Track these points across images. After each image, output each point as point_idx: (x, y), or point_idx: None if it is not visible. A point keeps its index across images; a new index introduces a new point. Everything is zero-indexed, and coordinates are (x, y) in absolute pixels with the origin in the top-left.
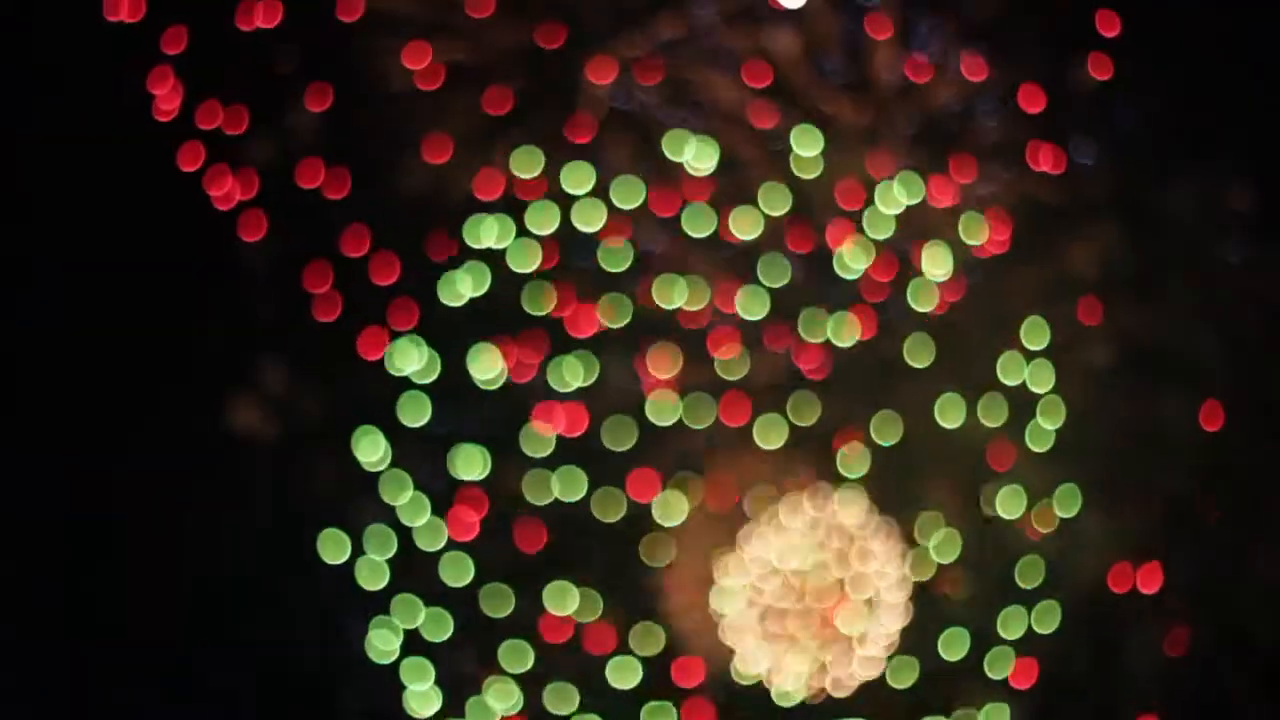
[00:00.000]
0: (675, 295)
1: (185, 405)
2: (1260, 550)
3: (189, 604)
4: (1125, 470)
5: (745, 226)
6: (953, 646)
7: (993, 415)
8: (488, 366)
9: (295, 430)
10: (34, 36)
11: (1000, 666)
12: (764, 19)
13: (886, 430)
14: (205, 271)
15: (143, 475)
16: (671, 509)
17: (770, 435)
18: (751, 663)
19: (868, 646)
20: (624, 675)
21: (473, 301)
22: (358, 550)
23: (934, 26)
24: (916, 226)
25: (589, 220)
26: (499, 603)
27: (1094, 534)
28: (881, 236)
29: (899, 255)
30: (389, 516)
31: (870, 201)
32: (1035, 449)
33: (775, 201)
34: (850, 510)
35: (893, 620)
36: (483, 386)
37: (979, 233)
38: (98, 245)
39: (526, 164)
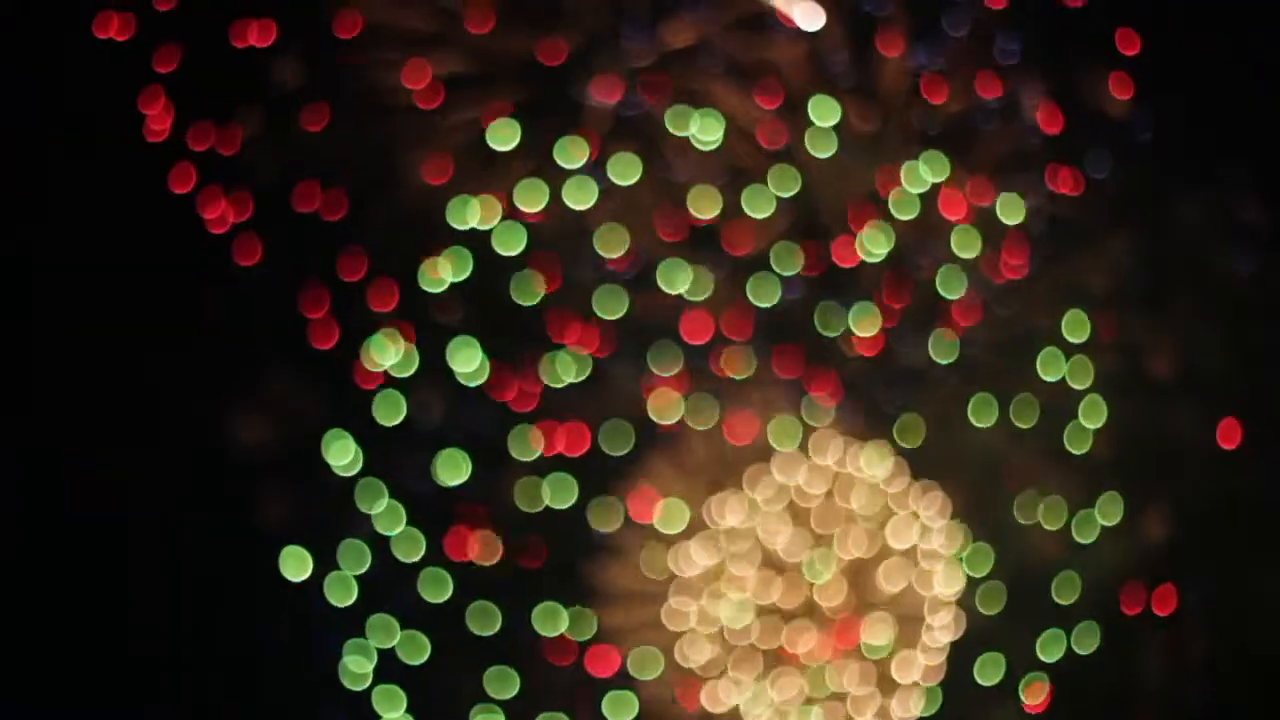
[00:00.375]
0: (679, 281)
1: (185, 416)
2: (1269, 559)
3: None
4: (1137, 481)
5: (759, 206)
6: (988, 671)
7: (1024, 417)
8: (468, 360)
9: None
10: (32, 54)
11: (1035, 691)
12: (772, 29)
13: (907, 435)
14: (206, 285)
15: (142, 483)
16: (673, 519)
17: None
18: (721, 696)
19: (908, 671)
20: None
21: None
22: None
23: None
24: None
25: (580, 199)
26: (486, 622)
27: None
28: (907, 216)
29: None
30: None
31: (896, 182)
32: (1074, 450)
33: (786, 183)
34: (880, 463)
35: (946, 629)
36: (464, 382)
37: (1016, 213)
38: (101, 257)
39: (505, 138)
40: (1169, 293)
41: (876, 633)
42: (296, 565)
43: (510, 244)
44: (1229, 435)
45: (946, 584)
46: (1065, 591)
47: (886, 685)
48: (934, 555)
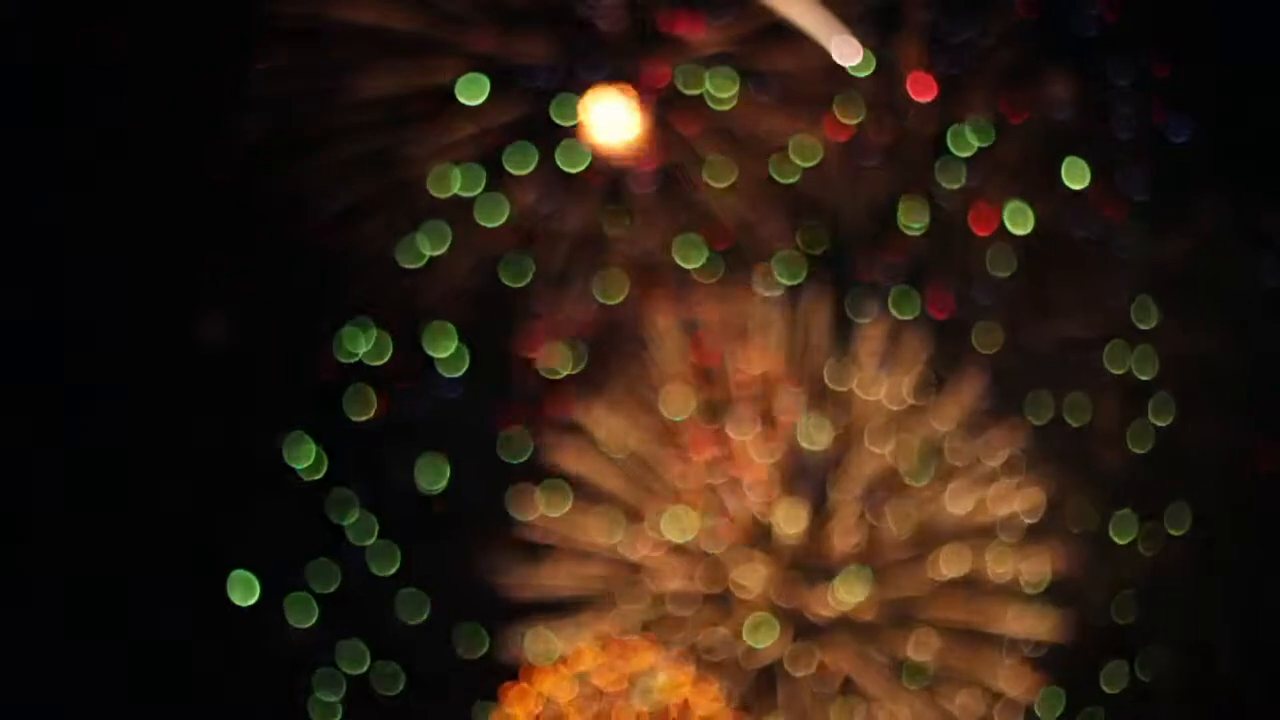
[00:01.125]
0: (693, 258)
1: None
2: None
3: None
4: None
5: (786, 172)
6: (1050, 704)
7: (1077, 415)
8: (444, 347)
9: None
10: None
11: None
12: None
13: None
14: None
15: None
16: (684, 524)
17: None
18: None
19: (973, 708)
20: None
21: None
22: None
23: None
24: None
25: (573, 163)
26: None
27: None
28: (954, 186)
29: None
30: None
31: (944, 149)
32: (1136, 450)
33: (807, 154)
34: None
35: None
36: (442, 371)
37: (1081, 178)
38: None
39: (472, 93)
40: (1191, 301)
41: (921, 644)
42: (244, 590)
43: (493, 216)
44: (1269, 457)
45: (1033, 570)
46: (1126, 610)
47: None
48: (1015, 525)
